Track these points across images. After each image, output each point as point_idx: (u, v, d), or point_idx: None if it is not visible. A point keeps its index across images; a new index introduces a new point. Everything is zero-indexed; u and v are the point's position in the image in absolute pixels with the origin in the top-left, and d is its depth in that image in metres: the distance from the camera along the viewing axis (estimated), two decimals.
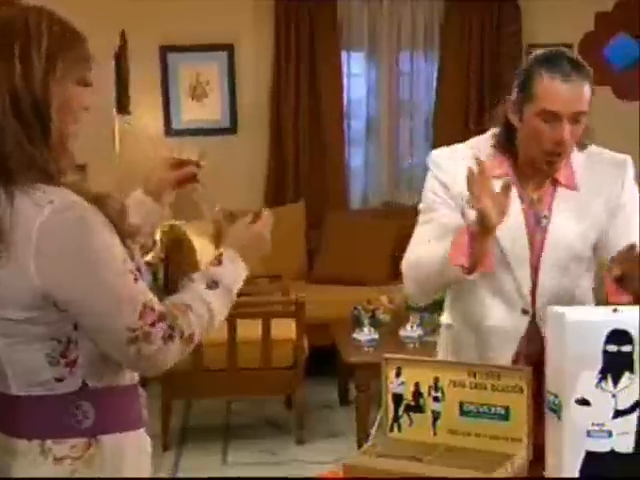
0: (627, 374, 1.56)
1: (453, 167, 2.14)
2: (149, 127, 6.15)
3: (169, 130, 6.24)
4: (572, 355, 1.56)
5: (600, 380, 1.56)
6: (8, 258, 1.48)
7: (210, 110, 6.28)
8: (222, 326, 4.56)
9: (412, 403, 1.91)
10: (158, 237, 5.49)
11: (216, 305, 1.62)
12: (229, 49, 6.22)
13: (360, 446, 3.47)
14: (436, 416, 1.89)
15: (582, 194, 2.14)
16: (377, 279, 5.69)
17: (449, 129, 6.24)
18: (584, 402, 1.57)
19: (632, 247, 1.85)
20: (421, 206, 2.22)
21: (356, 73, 6.39)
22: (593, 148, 2.20)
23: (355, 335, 4.54)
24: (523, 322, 2.15)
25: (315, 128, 6.26)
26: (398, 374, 1.93)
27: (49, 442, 1.55)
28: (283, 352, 4.55)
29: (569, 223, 2.12)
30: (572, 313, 1.60)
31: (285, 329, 4.53)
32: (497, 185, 1.98)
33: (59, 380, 1.54)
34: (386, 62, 6.33)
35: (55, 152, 1.54)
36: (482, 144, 2.18)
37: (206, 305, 1.60)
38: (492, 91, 6.25)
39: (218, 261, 1.68)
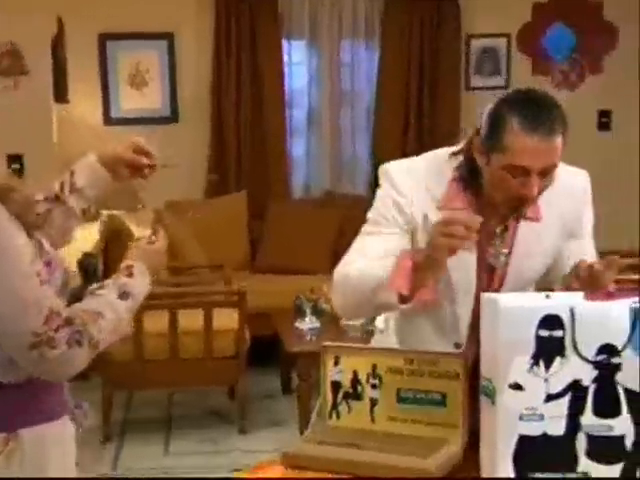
0: (558, 359, 1.59)
1: (410, 190, 1.99)
2: (88, 116, 6.07)
3: (108, 119, 6.16)
4: (505, 340, 1.59)
5: (532, 365, 1.59)
6: None
7: (150, 99, 6.22)
8: (163, 316, 4.57)
9: (350, 391, 1.93)
10: (97, 228, 5.44)
11: (125, 315, 1.67)
12: (169, 38, 6.16)
13: (302, 434, 3.49)
14: (374, 403, 1.91)
15: (544, 222, 2.03)
16: (319, 268, 5.70)
17: (390, 119, 6.29)
18: (517, 387, 1.60)
19: (591, 266, 1.78)
20: (369, 215, 2.06)
21: (297, 62, 6.38)
22: None
23: (297, 324, 4.55)
24: None
25: (257, 117, 6.24)
26: (336, 362, 1.94)
27: None
28: (225, 342, 4.54)
29: (532, 255, 2.02)
30: (505, 299, 1.63)
31: (227, 319, 4.52)
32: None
33: None
34: (327, 51, 6.33)
35: None
36: (441, 164, 2.01)
37: (116, 314, 1.64)
38: (432, 83, 6.31)
39: (129, 272, 1.73)
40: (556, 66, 6.33)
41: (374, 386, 1.91)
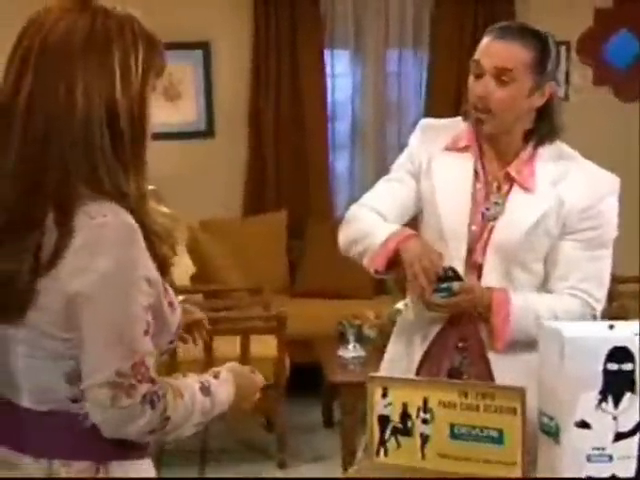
0: (628, 394, 1.56)
1: (427, 138, 2.33)
2: None
3: None
4: (571, 375, 1.56)
5: (600, 401, 1.56)
6: None
7: (185, 112, 6.25)
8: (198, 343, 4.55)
9: (400, 425, 1.91)
10: None
11: (197, 412, 1.60)
12: (204, 47, 6.21)
13: (345, 470, 3.46)
14: (425, 439, 1.89)
15: (538, 195, 2.15)
16: (363, 292, 5.69)
17: None
18: (584, 425, 1.57)
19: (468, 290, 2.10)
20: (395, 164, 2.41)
21: (340, 73, 6.39)
22: (570, 152, 2.21)
23: (340, 352, 4.53)
24: None
25: (297, 131, 6.25)
26: (384, 394, 1.92)
27: (57, 463, 1.54)
28: (263, 370, 4.47)
29: (521, 220, 2.14)
30: (569, 329, 1.59)
31: (265, 346, 4.52)
32: (457, 157, 2.21)
33: (74, 401, 1.54)
34: (372, 61, 6.33)
35: None
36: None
37: (192, 405, 1.58)
38: None
39: (215, 375, 1.69)
40: (619, 76, 6.25)
41: (425, 421, 1.89)
